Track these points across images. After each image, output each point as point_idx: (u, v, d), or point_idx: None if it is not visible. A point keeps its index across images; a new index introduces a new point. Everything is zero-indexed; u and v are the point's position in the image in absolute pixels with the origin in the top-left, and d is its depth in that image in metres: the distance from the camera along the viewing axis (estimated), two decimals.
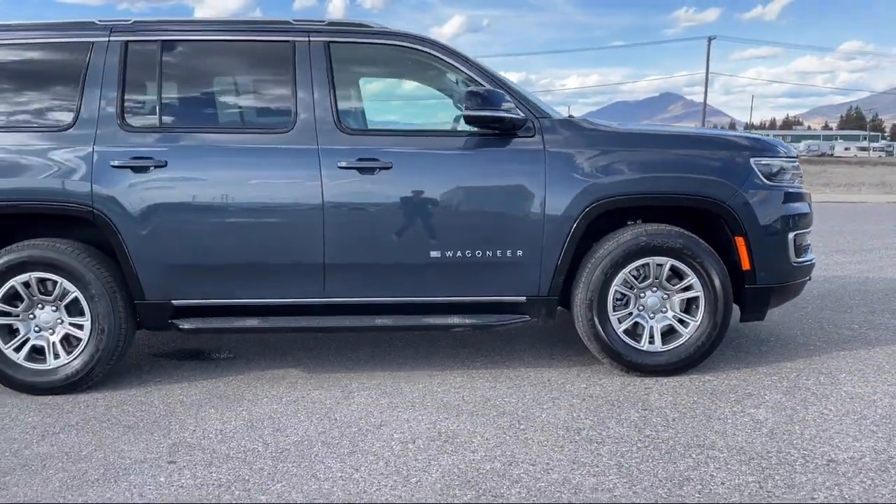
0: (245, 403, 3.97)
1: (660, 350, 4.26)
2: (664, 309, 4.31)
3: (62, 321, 4.16)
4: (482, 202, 4.21)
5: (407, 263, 4.20)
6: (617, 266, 4.19)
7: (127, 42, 4.22)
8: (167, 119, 4.24)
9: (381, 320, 4.26)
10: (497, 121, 4.07)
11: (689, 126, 18.08)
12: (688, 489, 2.92)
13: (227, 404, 3.96)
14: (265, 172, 4.15)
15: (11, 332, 4.17)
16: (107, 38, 4.21)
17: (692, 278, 4.22)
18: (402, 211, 4.17)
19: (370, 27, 4.40)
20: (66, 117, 4.16)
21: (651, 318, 4.30)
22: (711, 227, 4.37)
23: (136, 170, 4.06)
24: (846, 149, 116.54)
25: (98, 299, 4.08)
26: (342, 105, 4.30)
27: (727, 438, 3.40)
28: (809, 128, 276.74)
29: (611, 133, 4.35)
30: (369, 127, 4.68)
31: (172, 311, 4.21)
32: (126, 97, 4.17)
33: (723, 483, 2.96)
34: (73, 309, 4.15)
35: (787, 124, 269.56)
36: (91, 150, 4.08)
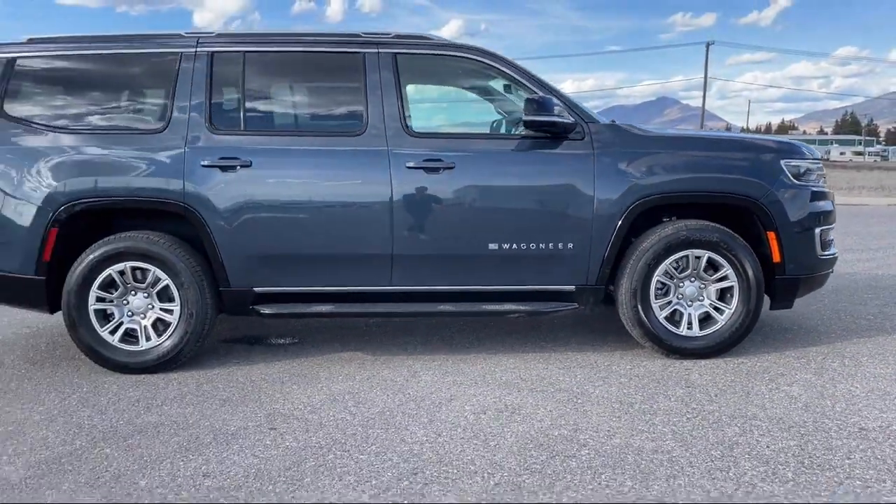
0: (323, 381, 4.37)
1: (698, 335, 4.67)
2: (701, 297, 4.71)
3: (153, 306, 4.56)
4: (536, 199, 4.61)
5: (467, 255, 4.60)
6: (659, 258, 4.59)
7: (212, 53, 4.62)
8: (250, 123, 4.64)
9: (443, 307, 4.66)
10: (552, 125, 4.47)
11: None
12: (738, 451, 3.31)
13: (307, 381, 4.36)
14: (339, 172, 4.55)
15: (106, 316, 4.57)
16: (194, 49, 4.62)
17: (727, 269, 4.62)
18: (463, 207, 4.57)
19: (431, 39, 4.80)
20: (159, 121, 4.57)
21: (689, 306, 4.70)
22: (742, 222, 4.77)
23: (224, 169, 4.47)
24: (842, 153, 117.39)
25: (188, 287, 4.48)
26: (408, 111, 4.69)
27: (766, 411, 3.80)
28: (805, 132, 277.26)
29: (653, 136, 4.75)
30: (432, 131, 5.07)
31: (253, 298, 4.61)
32: (213, 102, 4.58)
33: (768, 447, 3.36)
34: (163, 295, 4.55)
35: (783, 129, 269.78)
36: (183, 151, 4.48)
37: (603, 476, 3.09)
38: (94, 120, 4.64)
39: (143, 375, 4.49)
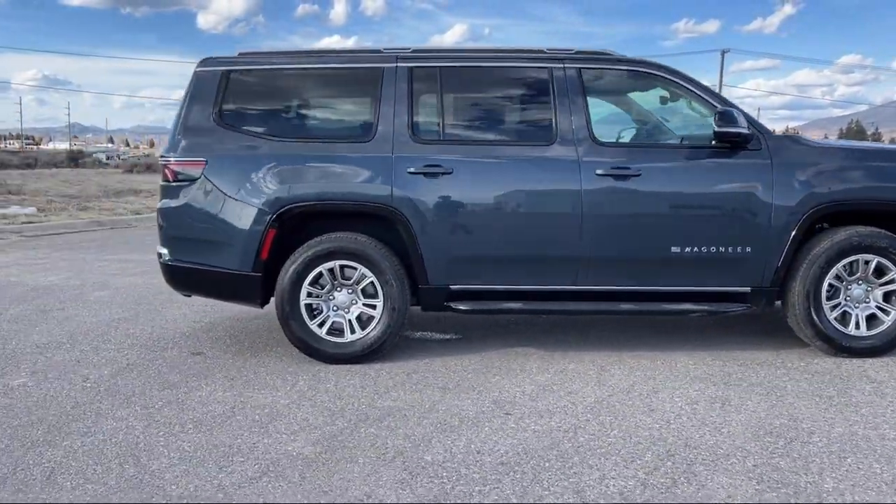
0: (520, 373, 4.69)
1: (866, 335, 4.95)
2: (867, 300, 4.99)
3: (356, 302, 4.91)
4: (717, 205, 4.91)
5: (650, 257, 4.92)
6: (830, 262, 4.88)
7: (412, 68, 4.98)
8: (448, 133, 5.00)
9: (625, 306, 4.98)
10: (737, 135, 4.78)
11: None
12: None
13: (506, 373, 4.68)
14: (532, 178, 4.88)
15: (312, 311, 4.92)
16: (395, 65, 4.98)
17: (895, 273, 4.91)
18: (648, 212, 4.88)
19: (612, 55, 5.13)
20: (367, 131, 4.93)
21: (856, 308, 4.99)
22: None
23: (428, 175, 4.81)
24: None
25: (391, 283, 4.82)
26: (594, 121, 5.02)
27: None
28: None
29: (824, 147, 5.06)
30: (618, 141, 5.39)
31: (449, 294, 4.95)
32: (414, 114, 4.94)
33: None
34: (366, 291, 4.90)
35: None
36: (391, 159, 4.83)
37: (848, 460, 3.39)
38: (306, 129, 5.04)
39: (349, 366, 4.84)
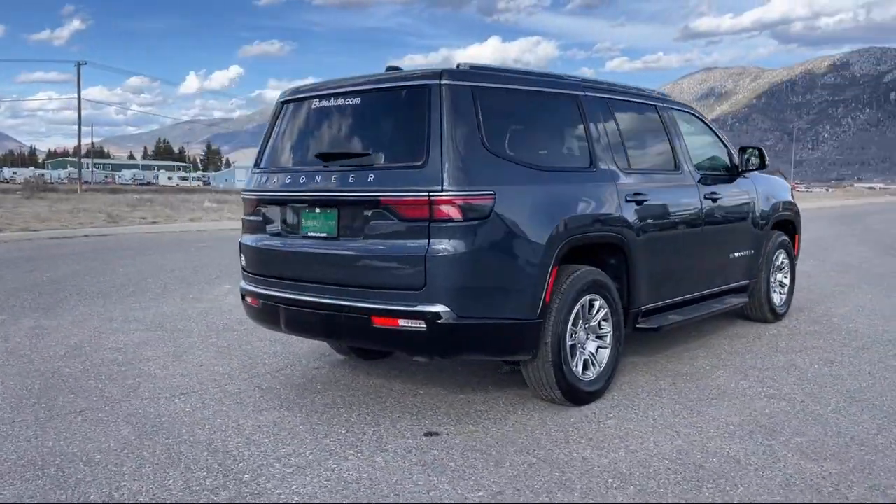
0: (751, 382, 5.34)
1: None
2: None
3: (590, 336, 4.74)
4: (741, 216, 6.38)
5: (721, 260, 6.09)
6: None
7: (607, 100, 5.17)
8: (633, 161, 5.24)
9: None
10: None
11: None
12: None
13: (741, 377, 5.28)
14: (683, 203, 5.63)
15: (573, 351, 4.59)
16: (583, 93, 4.97)
17: None
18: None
19: (692, 108, 6.07)
20: (587, 159, 4.84)
21: None
22: None
23: (638, 203, 5.01)
24: (169, 178, 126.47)
25: (619, 313, 4.84)
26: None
27: None
28: (110, 154, 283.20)
29: None
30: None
31: (641, 314, 5.20)
32: (621, 142, 5.11)
33: None
34: (599, 325, 4.79)
35: (99, 153, 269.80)
36: (615, 188, 4.85)
37: None
38: (560, 157, 4.63)
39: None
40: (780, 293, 7.17)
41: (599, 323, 4.75)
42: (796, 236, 7.44)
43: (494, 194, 4.04)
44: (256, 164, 4.98)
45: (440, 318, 3.94)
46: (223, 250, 13.63)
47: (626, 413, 4.49)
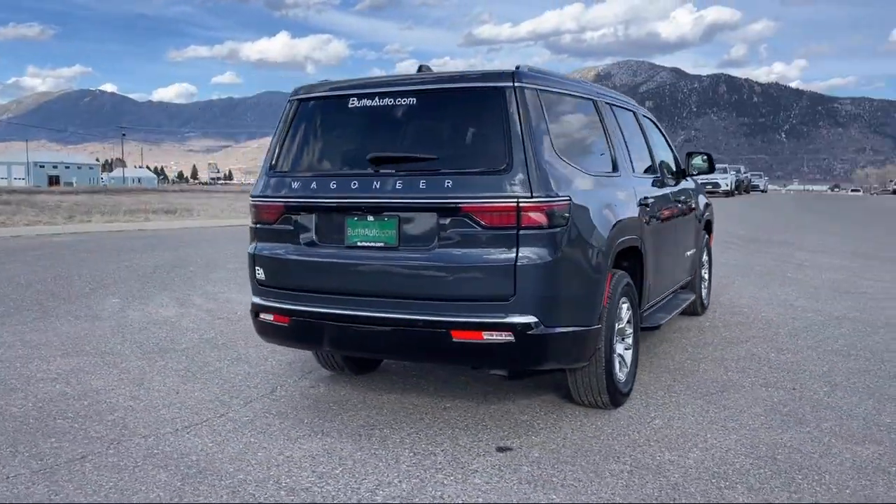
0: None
1: None
2: None
3: (622, 337, 4.82)
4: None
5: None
6: None
7: (612, 106, 5.28)
8: (636, 166, 5.41)
9: None
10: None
11: None
12: None
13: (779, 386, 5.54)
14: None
15: None
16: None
17: None
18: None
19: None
20: (612, 164, 4.88)
21: None
22: None
23: (646, 206, 5.14)
24: None
25: (635, 313, 4.96)
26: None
27: None
28: None
29: None
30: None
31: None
32: (626, 149, 5.21)
33: None
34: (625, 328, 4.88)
35: None
36: (633, 191, 4.95)
37: None
38: (591, 162, 4.62)
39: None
40: (703, 287, 7.70)
41: (625, 325, 4.82)
42: (711, 234, 8.02)
43: (570, 199, 3.97)
44: (272, 168, 4.51)
45: (530, 328, 3.81)
46: (64, 258, 12.21)
47: (662, 412, 4.61)
